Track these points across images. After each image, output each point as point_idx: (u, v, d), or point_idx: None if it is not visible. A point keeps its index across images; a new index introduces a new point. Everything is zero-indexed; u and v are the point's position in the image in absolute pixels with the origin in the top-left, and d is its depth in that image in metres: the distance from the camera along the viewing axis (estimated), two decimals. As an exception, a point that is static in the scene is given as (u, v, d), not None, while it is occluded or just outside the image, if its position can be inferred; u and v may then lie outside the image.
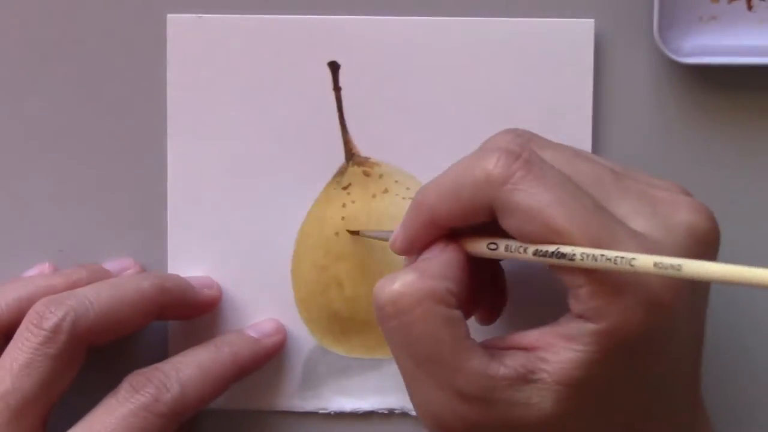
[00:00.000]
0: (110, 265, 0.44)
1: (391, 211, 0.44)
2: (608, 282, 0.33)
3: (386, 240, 0.39)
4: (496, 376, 0.34)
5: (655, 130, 0.44)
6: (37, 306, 0.39)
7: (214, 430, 0.45)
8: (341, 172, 0.44)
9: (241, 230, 0.44)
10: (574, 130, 0.43)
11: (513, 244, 0.35)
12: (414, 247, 0.38)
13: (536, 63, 0.43)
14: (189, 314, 0.43)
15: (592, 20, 0.43)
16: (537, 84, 0.43)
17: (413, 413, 0.44)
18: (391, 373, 0.44)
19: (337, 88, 0.44)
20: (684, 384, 0.37)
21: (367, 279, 0.44)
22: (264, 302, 0.44)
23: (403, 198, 0.44)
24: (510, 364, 0.34)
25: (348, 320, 0.44)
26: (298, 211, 0.44)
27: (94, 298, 0.40)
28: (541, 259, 0.34)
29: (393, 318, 0.35)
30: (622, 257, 0.32)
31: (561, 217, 0.33)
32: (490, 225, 0.36)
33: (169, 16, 0.44)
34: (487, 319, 0.41)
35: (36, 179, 0.45)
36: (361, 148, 0.44)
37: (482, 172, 0.35)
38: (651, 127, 0.44)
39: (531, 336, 0.35)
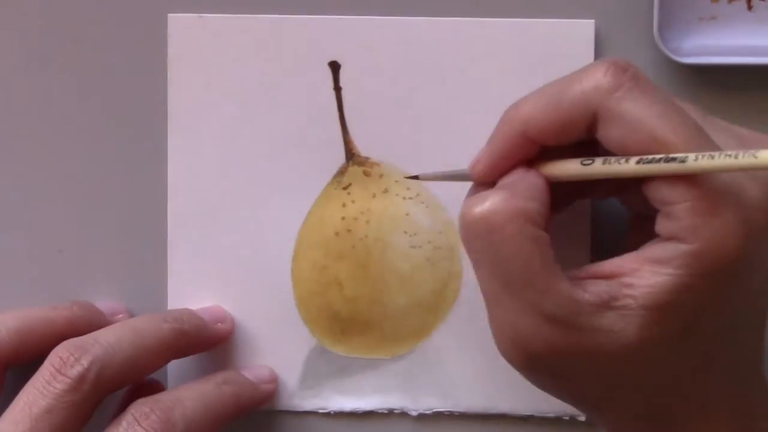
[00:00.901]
0: (101, 306, 0.43)
1: (391, 211, 0.44)
2: (708, 199, 0.33)
3: (451, 179, 0.40)
4: (581, 301, 0.34)
5: (655, 131, 0.44)
6: (60, 350, 0.39)
7: (214, 430, 0.45)
8: (341, 172, 0.44)
9: (241, 230, 0.44)
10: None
11: (612, 157, 0.35)
12: (497, 168, 0.37)
13: (536, 63, 0.43)
14: (202, 350, 0.43)
15: (592, 20, 0.43)
16: (537, 84, 0.42)
17: (413, 413, 0.44)
18: (391, 372, 0.44)
19: (337, 88, 0.44)
20: (759, 324, 0.37)
21: (367, 279, 0.44)
22: (264, 302, 0.44)
23: (404, 198, 0.44)
24: (593, 291, 0.34)
25: (348, 320, 0.44)
26: (298, 211, 0.44)
27: (117, 347, 0.39)
28: (645, 167, 0.33)
29: (482, 237, 0.35)
30: (744, 151, 0.32)
31: (667, 128, 0.34)
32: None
33: (169, 15, 0.44)
34: None
35: (36, 179, 0.45)
36: (361, 148, 0.44)
37: (591, 81, 0.35)
38: (651, 127, 0.44)
39: (612, 264, 0.35)
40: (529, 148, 0.37)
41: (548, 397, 0.41)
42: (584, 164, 0.35)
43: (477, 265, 0.36)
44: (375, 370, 0.44)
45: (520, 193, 0.35)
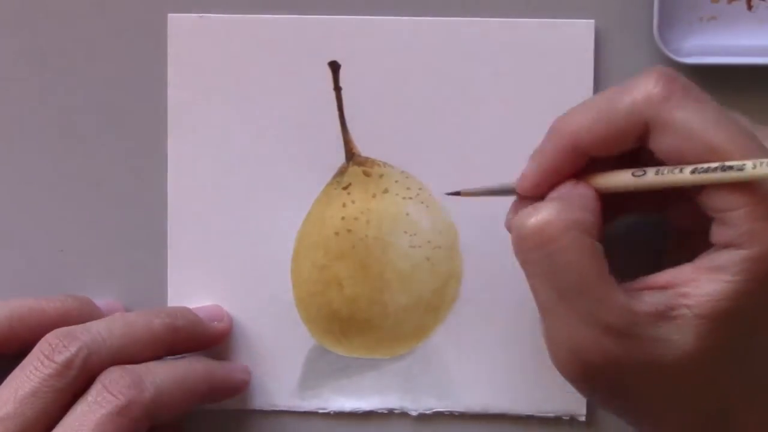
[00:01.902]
0: (98, 304, 0.44)
1: (391, 211, 0.44)
2: (765, 203, 0.33)
3: (495, 194, 0.40)
4: (639, 312, 0.34)
5: (655, 131, 0.44)
6: (50, 337, 0.39)
7: (214, 430, 0.45)
8: (341, 172, 0.44)
9: (241, 230, 0.44)
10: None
11: (665, 167, 0.35)
12: (546, 182, 0.37)
13: (536, 63, 0.43)
14: (198, 348, 0.43)
15: (592, 20, 0.43)
16: (537, 84, 0.43)
17: (413, 413, 0.44)
18: (391, 373, 0.44)
19: (337, 88, 0.44)
20: None
21: (367, 279, 0.44)
22: (263, 302, 0.44)
23: (404, 198, 0.44)
24: (649, 301, 0.34)
25: (348, 320, 0.44)
26: (298, 211, 0.44)
27: (107, 336, 0.40)
28: (701, 176, 0.34)
29: (538, 248, 0.35)
30: None
31: (722, 136, 0.34)
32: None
33: (169, 15, 0.44)
34: None
35: (36, 179, 0.45)
36: (361, 148, 0.44)
37: (642, 91, 0.35)
38: (651, 127, 0.44)
39: (667, 275, 0.35)
40: (578, 161, 0.37)
41: (548, 397, 0.42)
42: (636, 175, 0.35)
43: (532, 277, 0.36)
44: (375, 371, 0.44)
45: (573, 204, 0.35)
